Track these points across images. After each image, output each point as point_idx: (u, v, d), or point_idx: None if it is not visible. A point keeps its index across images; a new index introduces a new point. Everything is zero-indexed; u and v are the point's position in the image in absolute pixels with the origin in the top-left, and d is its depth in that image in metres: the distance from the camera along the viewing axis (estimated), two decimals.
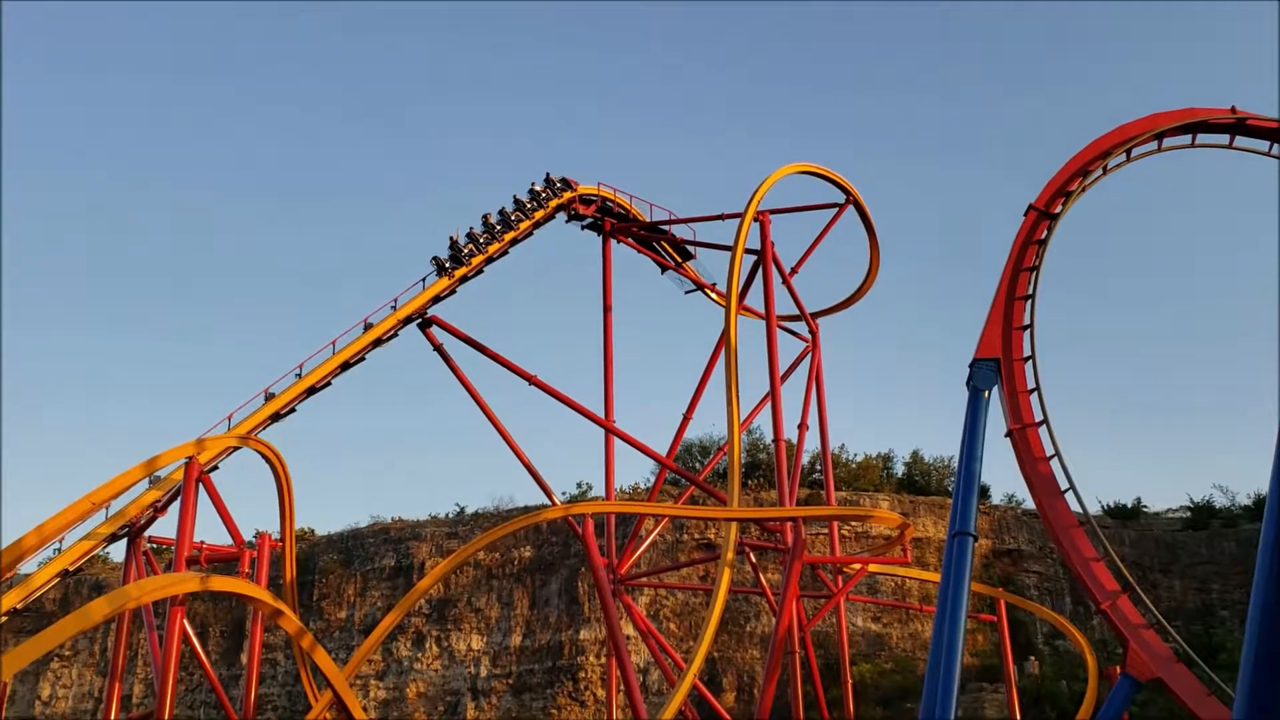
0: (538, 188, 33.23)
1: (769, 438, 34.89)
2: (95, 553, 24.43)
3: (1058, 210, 20.89)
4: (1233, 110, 21.67)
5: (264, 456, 25.88)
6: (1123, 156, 21.70)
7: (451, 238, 30.40)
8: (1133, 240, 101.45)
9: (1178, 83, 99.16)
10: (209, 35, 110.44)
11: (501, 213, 32.07)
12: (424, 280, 29.64)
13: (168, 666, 21.45)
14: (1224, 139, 22.07)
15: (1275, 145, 21.60)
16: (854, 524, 43.68)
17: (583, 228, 35.45)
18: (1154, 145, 21.95)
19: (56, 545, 22.34)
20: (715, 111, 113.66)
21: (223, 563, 24.98)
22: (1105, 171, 21.65)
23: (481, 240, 30.90)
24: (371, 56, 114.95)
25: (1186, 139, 22.10)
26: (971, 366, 19.37)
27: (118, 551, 40.22)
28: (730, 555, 25.83)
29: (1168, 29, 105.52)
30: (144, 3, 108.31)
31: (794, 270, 33.98)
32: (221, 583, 20.32)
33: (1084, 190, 21.29)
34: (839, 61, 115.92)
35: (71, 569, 23.25)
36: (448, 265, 29.99)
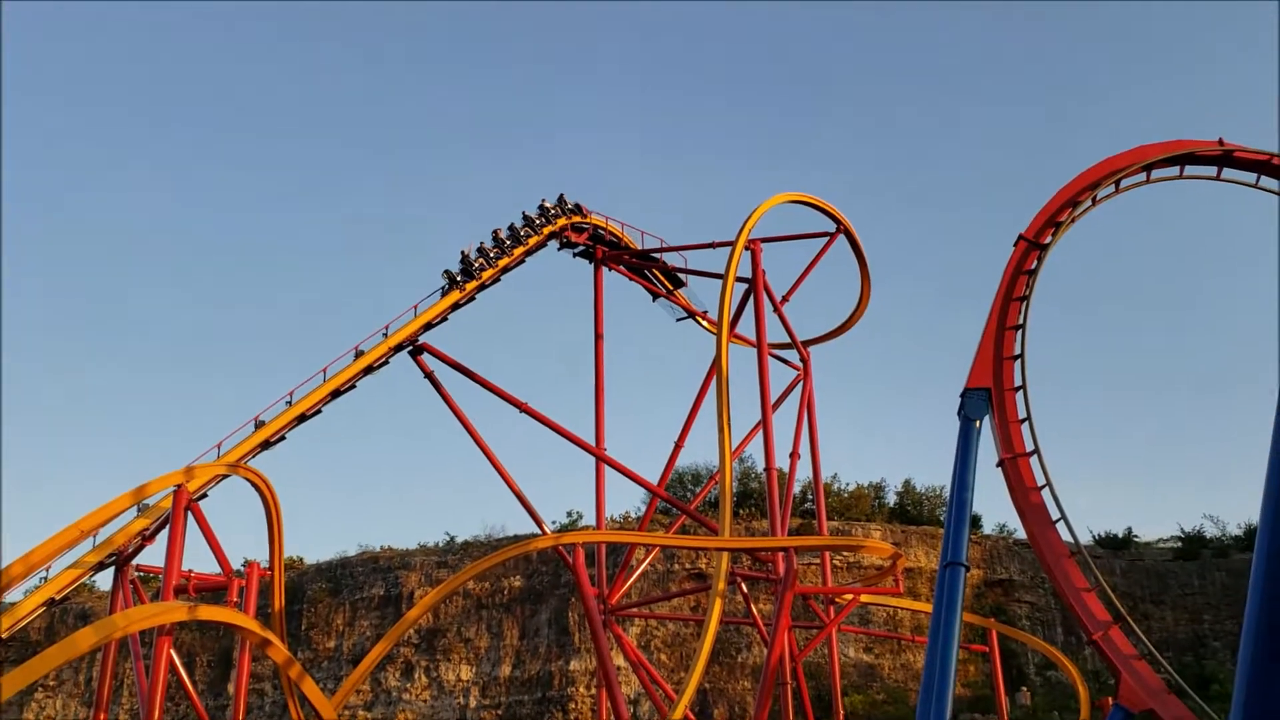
0: (548, 204, 33.51)
1: (760, 466, 34.83)
2: (81, 581, 24.25)
3: (1047, 240, 20.96)
4: (1220, 142, 21.82)
5: (253, 485, 25.71)
6: (1111, 187, 21.82)
7: (463, 252, 30.68)
8: (1124, 270, 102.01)
9: (1169, 112, 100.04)
10: (197, 64, 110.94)
11: (511, 228, 32.43)
12: (416, 308, 29.62)
13: (154, 697, 21.21)
14: (1212, 170, 22.19)
15: (1262, 177, 21.73)
16: (846, 554, 43.59)
17: (574, 255, 35.56)
18: (1143, 176, 22.07)
19: (43, 574, 22.16)
20: (708, 140, 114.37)
21: (210, 592, 24.81)
22: (1095, 202, 21.76)
23: (492, 255, 31.23)
24: (360, 88, 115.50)
25: (1175, 170, 22.22)
26: (963, 396, 19.37)
27: (104, 580, 39.94)
28: (721, 585, 25.70)
29: (1160, 60, 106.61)
30: (122, 33, 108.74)
31: (785, 298, 34.05)
32: (210, 612, 20.17)
33: (1074, 221, 21.39)
34: (831, 91, 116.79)
35: (58, 598, 23.02)
36: (459, 279, 30.28)
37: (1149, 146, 21.96)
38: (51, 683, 48.02)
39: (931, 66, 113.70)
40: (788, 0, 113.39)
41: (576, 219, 34.27)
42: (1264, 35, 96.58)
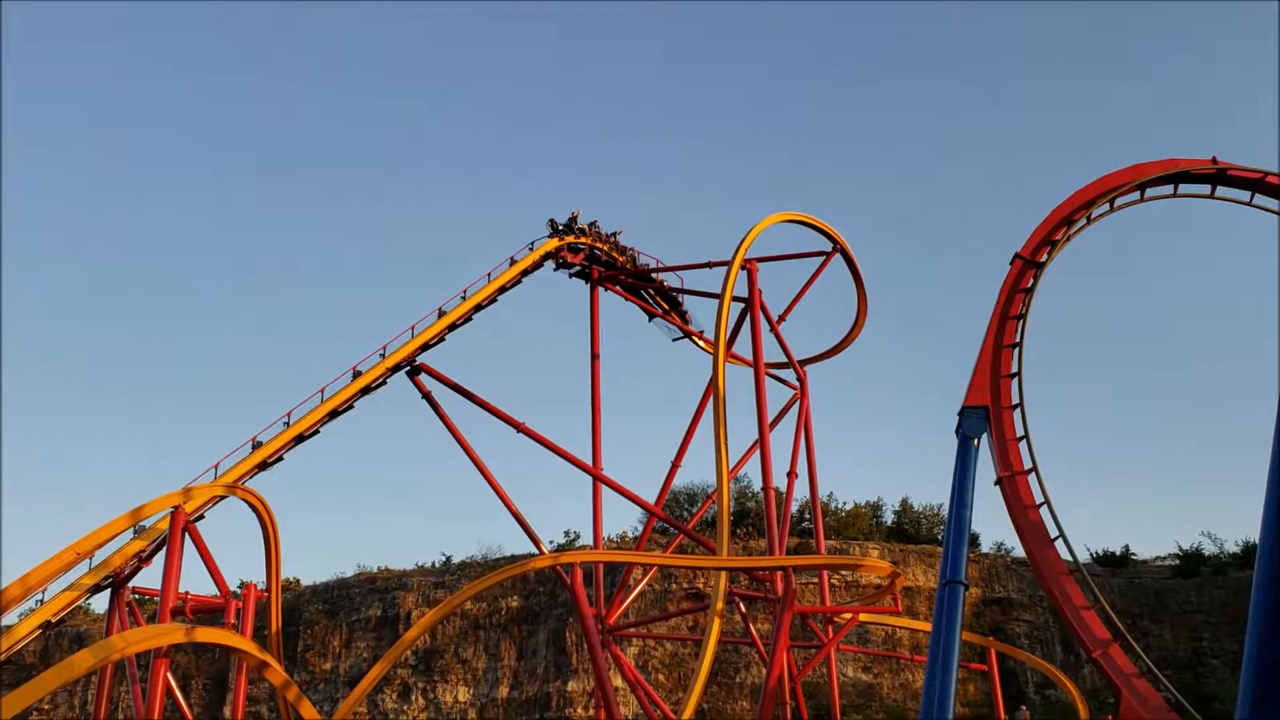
0: (558, 223, 34.75)
1: (758, 486, 34.81)
2: (77, 604, 24.14)
3: (1043, 259, 21.01)
4: (1214, 161, 21.89)
5: (251, 506, 25.64)
6: (1106, 206, 21.88)
7: (572, 214, 34.80)
8: (1122, 288, 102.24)
9: (1165, 129, 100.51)
10: (198, 112, 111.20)
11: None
12: (413, 329, 29.63)
13: None
14: (1205, 189, 22.26)
15: (1257, 195, 21.80)
16: (844, 573, 43.49)
17: (570, 275, 35.59)
18: (1137, 195, 22.13)
19: (39, 596, 22.07)
20: (705, 160, 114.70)
21: (207, 613, 24.70)
22: (1090, 221, 21.81)
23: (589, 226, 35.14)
24: (348, 126, 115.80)
25: (1169, 189, 22.27)
26: (960, 414, 19.36)
27: (99, 602, 39.71)
28: (720, 605, 25.64)
29: (1156, 81, 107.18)
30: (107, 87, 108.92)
31: (782, 318, 34.07)
32: (207, 634, 20.08)
33: (1069, 239, 21.43)
34: (828, 111, 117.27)
35: (54, 620, 22.92)
36: (561, 229, 33.97)
37: (1144, 165, 22.02)
38: (46, 706, 47.68)
39: (930, 86, 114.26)
40: (784, 22, 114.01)
41: (584, 239, 34.47)
42: (1258, 52, 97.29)
